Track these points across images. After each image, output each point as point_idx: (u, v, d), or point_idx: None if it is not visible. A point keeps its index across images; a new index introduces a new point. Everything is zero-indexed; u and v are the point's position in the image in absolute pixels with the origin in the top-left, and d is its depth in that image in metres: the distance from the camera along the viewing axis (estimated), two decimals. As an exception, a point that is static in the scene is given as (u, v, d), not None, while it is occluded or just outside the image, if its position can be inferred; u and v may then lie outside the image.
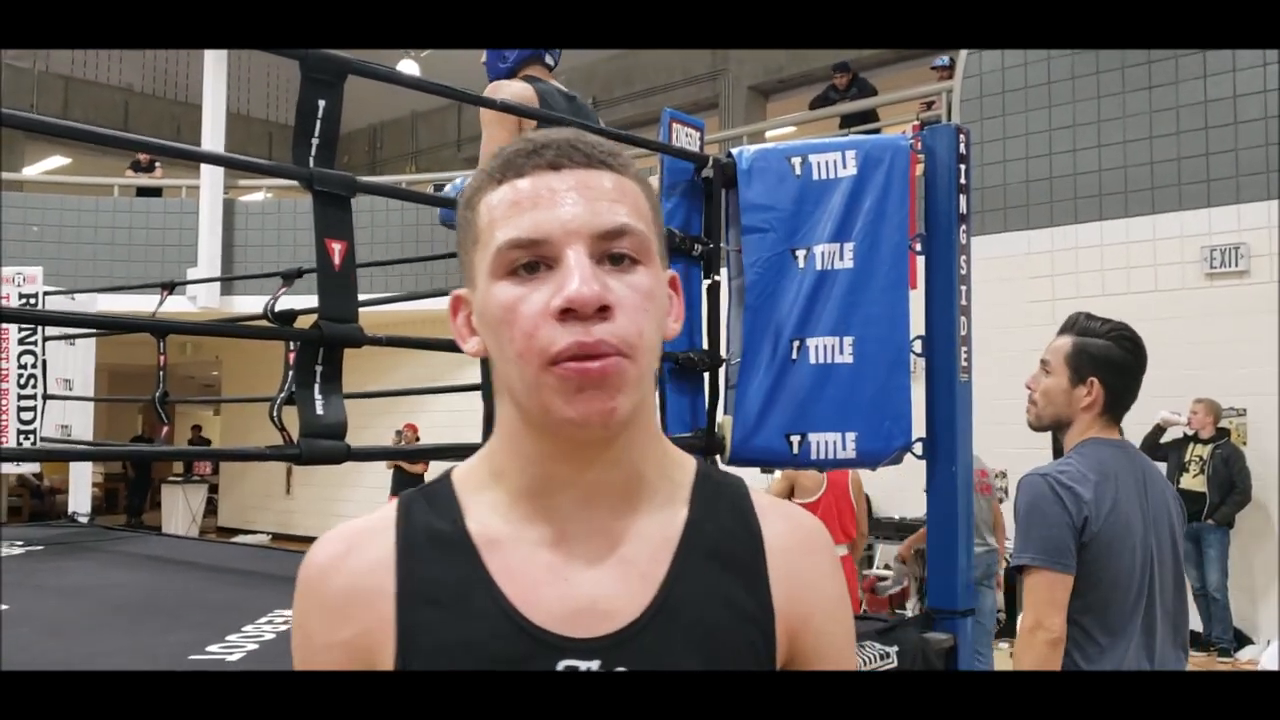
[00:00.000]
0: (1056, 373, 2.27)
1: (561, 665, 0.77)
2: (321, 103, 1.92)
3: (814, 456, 2.68)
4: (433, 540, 0.82)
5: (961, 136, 2.83)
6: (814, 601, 0.85)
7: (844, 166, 2.75)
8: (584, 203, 0.77)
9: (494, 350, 0.80)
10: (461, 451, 1.48)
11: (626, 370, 0.75)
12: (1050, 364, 2.28)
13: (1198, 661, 6.31)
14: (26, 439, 5.04)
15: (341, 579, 0.81)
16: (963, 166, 2.82)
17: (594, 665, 0.77)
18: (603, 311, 0.75)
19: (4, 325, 5.08)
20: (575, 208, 0.77)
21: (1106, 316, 2.30)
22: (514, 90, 2.76)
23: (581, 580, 0.80)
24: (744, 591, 0.82)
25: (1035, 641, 2.07)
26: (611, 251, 0.77)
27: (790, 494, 5.18)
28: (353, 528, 0.85)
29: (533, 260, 0.77)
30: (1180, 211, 7.12)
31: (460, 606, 0.79)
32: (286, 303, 3.09)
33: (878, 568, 7.25)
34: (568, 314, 0.74)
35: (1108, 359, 2.22)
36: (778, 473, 5.17)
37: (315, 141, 1.93)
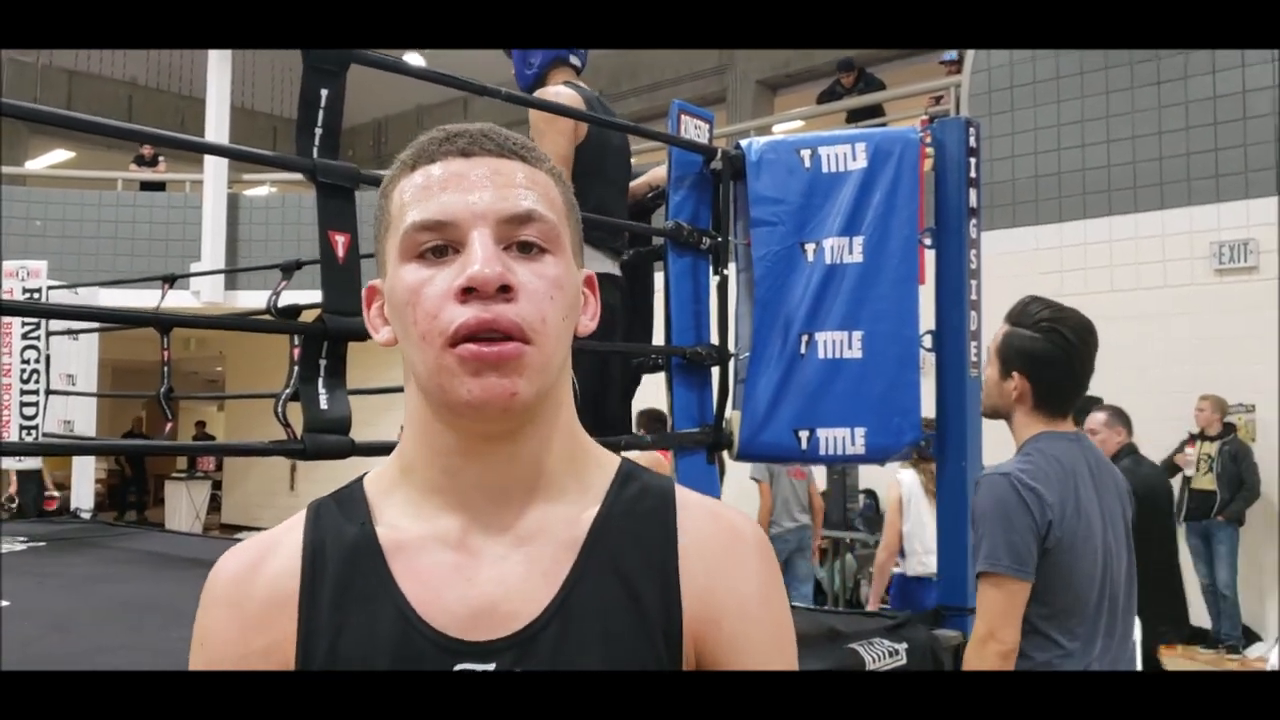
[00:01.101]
0: (991, 363, 2.16)
1: (457, 669, 0.76)
2: (324, 92, 1.89)
3: (823, 452, 2.66)
4: (339, 545, 0.81)
5: (971, 130, 2.80)
6: (727, 601, 0.81)
7: (854, 159, 2.72)
8: (492, 188, 0.78)
9: (400, 334, 0.80)
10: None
11: (527, 354, 0.75)
12: (990, 353, 2.18)
13: (1207, 659, 6.28)
14: (29, 434, 5.02)
15: (255, 588, 0.81)
16: (973, 160, 2.79)
17: (489, 669, 0.76)
18: (505, 292, 0.75)
19: (7, 319, 5.07)
20: (483, 192, 0.78)
21: (1053, 302, 2.13)
22: (566, 98, 2.75)
23: (484, 580, 0.79)
24: (649, 592, 0.79)
25: (987, 654, 1.96)
26: (519, 239, 0.78)
27: None
28: (261, 537, 0.84)
29: (440, 244, 0.77)
30: (1189, 207, 7.08)
31: (362, 612, 0.78)
32: (292, 297, 3.07)
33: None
34: (469, 294, 0.75)
35: (1031, 353, 2.07)
36: None
37: (319, 132, 1.90)
